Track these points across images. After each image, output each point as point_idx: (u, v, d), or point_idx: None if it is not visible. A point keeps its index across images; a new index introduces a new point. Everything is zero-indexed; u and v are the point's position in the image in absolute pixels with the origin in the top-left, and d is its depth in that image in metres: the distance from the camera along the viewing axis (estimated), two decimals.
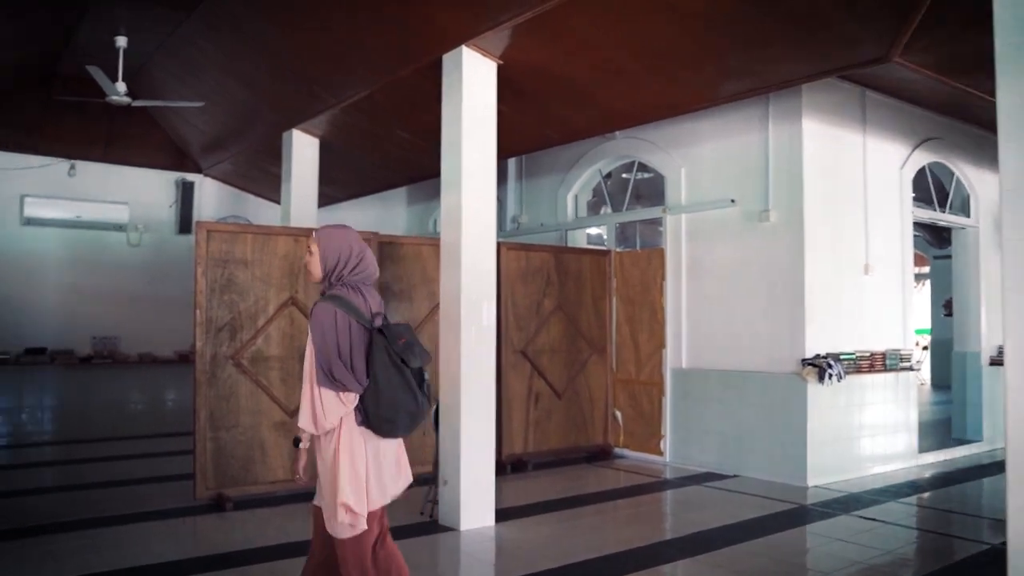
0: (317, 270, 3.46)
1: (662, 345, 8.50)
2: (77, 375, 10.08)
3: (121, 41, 8.03)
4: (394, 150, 8.93)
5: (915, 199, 8.63)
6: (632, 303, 8.87)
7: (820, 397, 7.27)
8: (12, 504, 6.63)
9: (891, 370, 7.98)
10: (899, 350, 8.10)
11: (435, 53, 6.11)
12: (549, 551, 5.26)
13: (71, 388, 10.07)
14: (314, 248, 3.46)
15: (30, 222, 9.95)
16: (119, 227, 10.53)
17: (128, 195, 10.66)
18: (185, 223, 10.93)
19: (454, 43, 5.91)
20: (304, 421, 3.27)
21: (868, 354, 7.75)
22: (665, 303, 8.49)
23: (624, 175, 9.79)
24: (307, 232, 7.06)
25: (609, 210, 9.80)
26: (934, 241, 15.20)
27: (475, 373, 5.90)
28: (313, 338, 3.28)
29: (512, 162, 10.65)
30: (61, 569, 4.79)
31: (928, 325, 17.08)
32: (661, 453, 8.48)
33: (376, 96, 7.27)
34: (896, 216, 8.25)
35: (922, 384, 16.32)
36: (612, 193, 9.85)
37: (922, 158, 8.55)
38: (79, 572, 4.72)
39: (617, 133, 8.95)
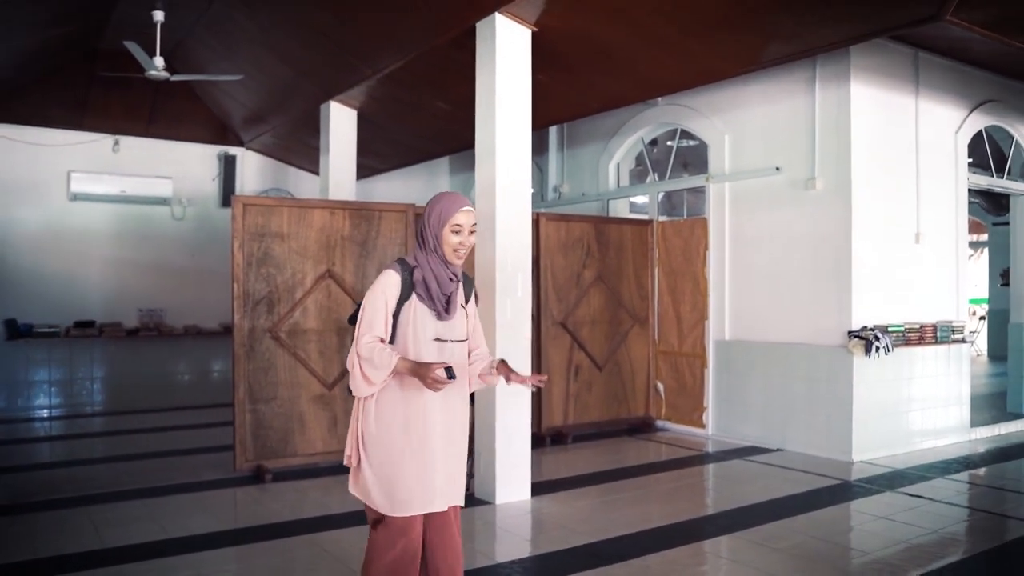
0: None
1: (705, 317, 8.34)
2: (124, 347, 10.27)
3: (159, 16, 8.05)
4: (432, 121, 8.84)
5: (971, 165, 8.29)
6: (674, 274, 8.71)
7: (867, 370, 7.06)
8: (61, 474, 6.79)
9: (942, 342, 7.72)
10: (951, 322, 7.84)
11: (469, 21, 5.98)
12: (586, 526, 5.21)
13: (119, 360, 10.26)
14: (475, 225, 3.19)
15: (77, 197, 10.08)
16: (163, 201, 10.62)
17: (172, 169, 10.74)
18: (228, 197, 10.96)
19: (487, 10, 5.78)
20: None
21: (918, 326, 7.50)
22: (708, 274, 8.31)
23: (668, 142, 9.56)
24: (342, 204, 7.03)
25: (654, 178, 9.61)
26: (992, 208, 14.68)
27: (511, 345, 5.82)
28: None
29: (553, 131, 10.48)
30: (103, 539, 4.87)
31: (986, 295, 16.56)
32: (703, 426, 8.36)
33: (412, 66, 7.17)
34: (950, 183, 7.94)
35: (978, 355, 15.85)
36: (656, 161, 9.64)
37: (979, 121, 8.18)
38: (121, 543, 4.80)
39: (659, 100, 8.74)
